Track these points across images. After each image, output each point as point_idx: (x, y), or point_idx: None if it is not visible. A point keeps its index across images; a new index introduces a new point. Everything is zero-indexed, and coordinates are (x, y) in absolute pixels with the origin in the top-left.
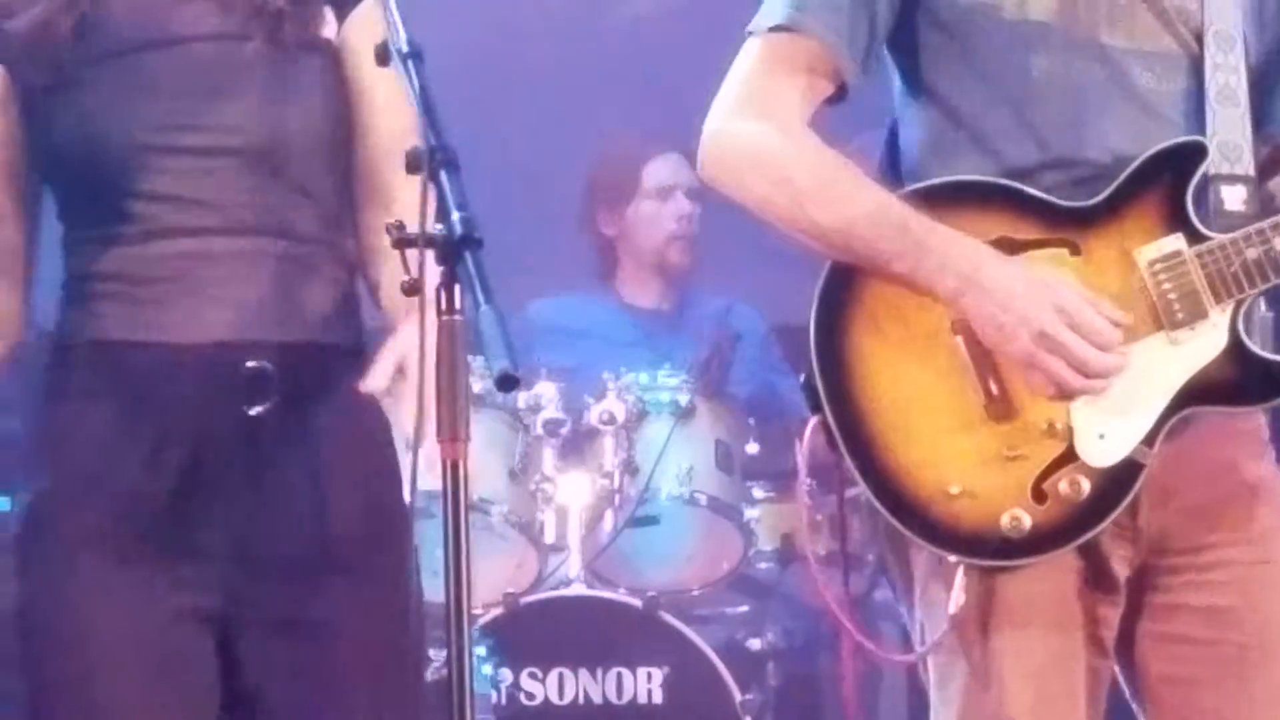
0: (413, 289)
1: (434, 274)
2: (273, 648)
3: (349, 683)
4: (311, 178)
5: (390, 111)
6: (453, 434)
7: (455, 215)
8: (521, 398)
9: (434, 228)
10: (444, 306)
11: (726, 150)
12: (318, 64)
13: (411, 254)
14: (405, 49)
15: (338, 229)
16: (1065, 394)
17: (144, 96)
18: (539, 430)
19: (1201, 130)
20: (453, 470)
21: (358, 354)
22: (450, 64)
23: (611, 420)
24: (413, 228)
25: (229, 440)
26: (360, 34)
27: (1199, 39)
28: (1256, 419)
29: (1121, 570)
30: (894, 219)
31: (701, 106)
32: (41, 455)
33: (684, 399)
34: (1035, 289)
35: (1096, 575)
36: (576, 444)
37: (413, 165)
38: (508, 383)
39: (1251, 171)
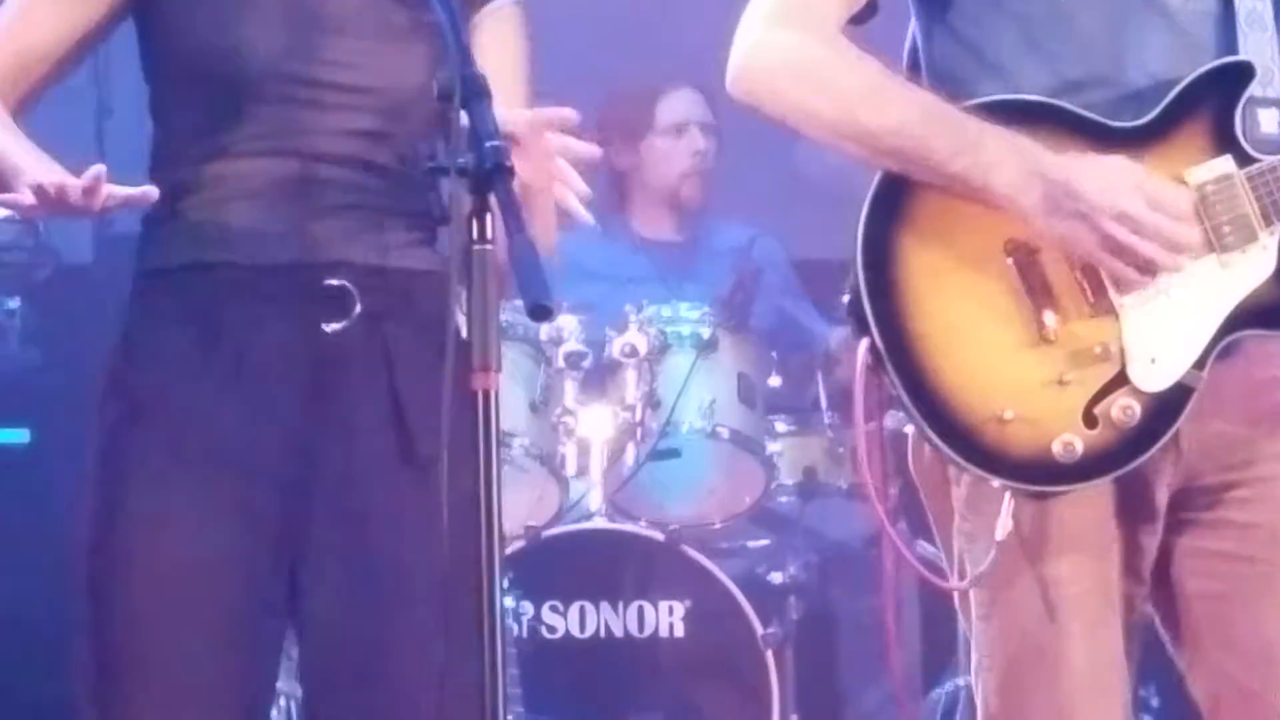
0: (442, 218)
1: (465, 203)
2: (334, 568)
3: (414, 597)
4: (411, 124)
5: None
6: (484, 363)
7: (487, 144)
8: (543, 330)
9: (464, 157)
10: (475, 236)
11: (764, 62)
12: (430, 21)
13: (443, 183)
14: None
15: (420, 164)
16: (1151, 272)
17: (275, 22)
18: (561, 363)
19: (1231, 52)
20: (484, 400)
21: (435, 277)
22: None
23: (633, 353)
24: (443, 157)
25: (304, 357)
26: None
27: None
28: None
29: (1162, 495)
30: (948, 117)
31: (715, 42)
32: (121, 380)
33: (706, 332)
34: (1106, 173)
35: (1136, 502)
36: (598, 377)
37: (443, 94)
38: (540, 312)
39: None
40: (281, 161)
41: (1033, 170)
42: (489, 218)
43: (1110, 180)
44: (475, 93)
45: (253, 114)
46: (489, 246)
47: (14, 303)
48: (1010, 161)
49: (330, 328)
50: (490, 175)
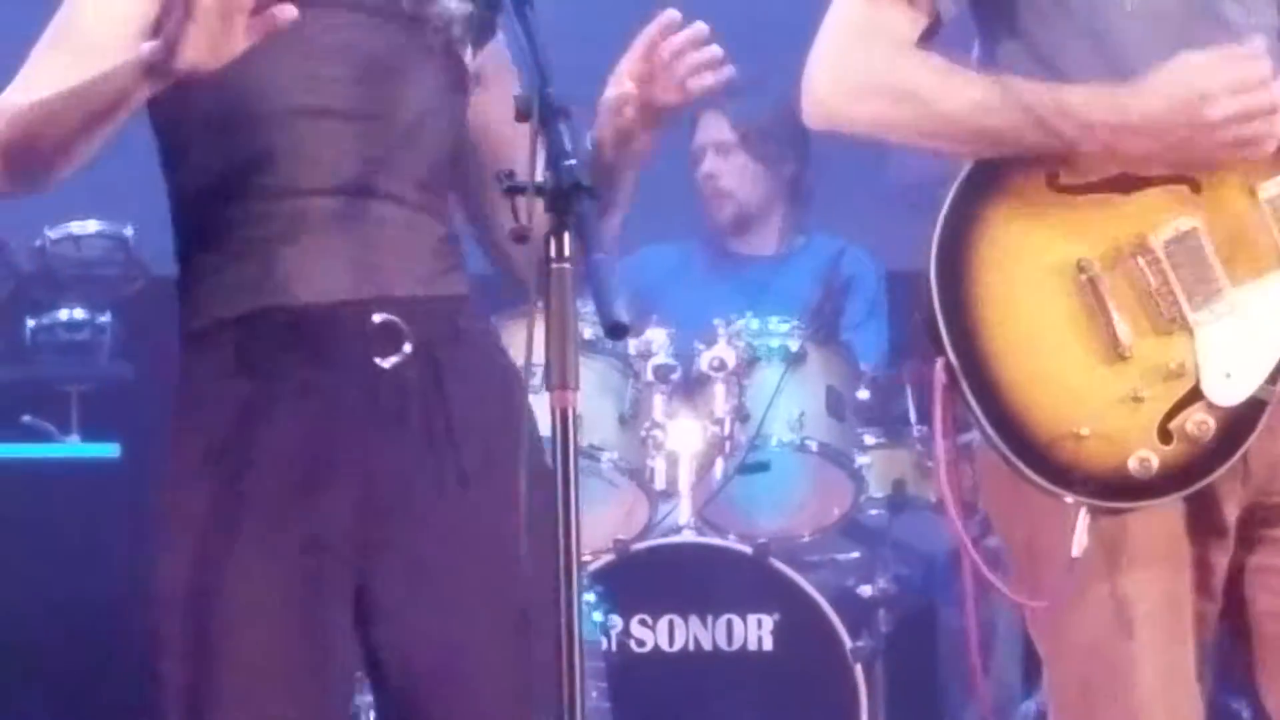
0: (520, 236)
1: (543, 222)
2: (400, 597)
3: (476, 621)
4: (425, 153)
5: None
6: (563, 382)
7: (565, 163)
8: (632, 344)
9: (543, 175)
10: (554, 254)
11: (832, 86)
12: (451, 68)
13: (521, 202)
14: None
15: (438, 190)
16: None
17: (279, 57)
18: (649, 376)
19: None
20: (562, 419)
21: (469, 301)
22: (567, 14)
23: (722, 366)
24: (522, 176)
25: (361, 394)
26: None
27: None
28: None
29: (1232, 511)
30: (1025, 88)
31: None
32: (186, 434)
33: (795, 345)
34: (1180, 102)
35: (1207, 519)
36: (687, 390)
37: (522, 113)
38: (618, 330)
39: None
40: (309, 200)
41: (1120, 127)
42: (567, 236)
43: (1188, 106)
44: (553, 112)
45: (270, 153)
46: (567, 265)
47: (105, 317)
48: (1096, 121)
49: (384, 363)
50: (568, 194)
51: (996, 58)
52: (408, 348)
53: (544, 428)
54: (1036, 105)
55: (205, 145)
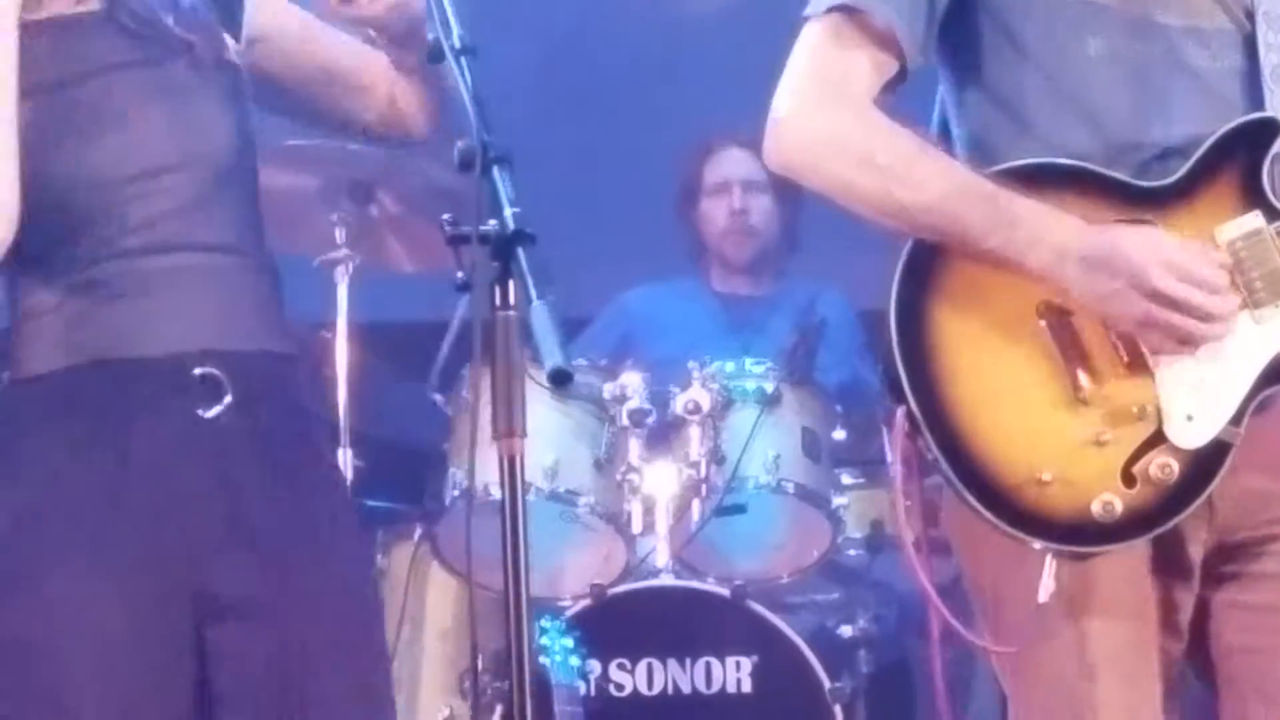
0: (465, 286)
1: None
2: (234, 639)
3: (309, 668)
4: (235, 190)
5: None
6: (509, 430)
7: (507, 211)
8: (607, 388)
9: (486, 224)
10: (498, 302)
11: (800, 136)
12: (229, 83)
13: (465, 251)
14: (458, 45)
15: (258, 240)
16: (1190, 344)
17: (81, 128)
18: (625, 421)
19: (1258, 109)
20: (510, 465)
21: (294, 359)
22: (546, 61)
23: (697, 409)
24: (465, 225)
25: (188, 443)
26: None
27: (1250, 17)
28: None
29: (1196, 552)
30: (982, 193)
31: (767, 98)
32: (6, 487)
33: (770, 387)
34: (1137, 250)
35: (1172, 559)
36: (663, 434)
37: (465, 163)
38: (561, 377)
39: None
40: (133, 260)
41: (1066, 249)
42: (511, 283)
43: (1139, 257)
44: (495, 160)
45: (90, 219)
46: (513, 313)
47: None
48: (1045, 242)
49: (207, 414)
50: (512, 241)
51: (964, 106)
52: (228, 399)
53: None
54: (992, 219)
55: (31, 213)
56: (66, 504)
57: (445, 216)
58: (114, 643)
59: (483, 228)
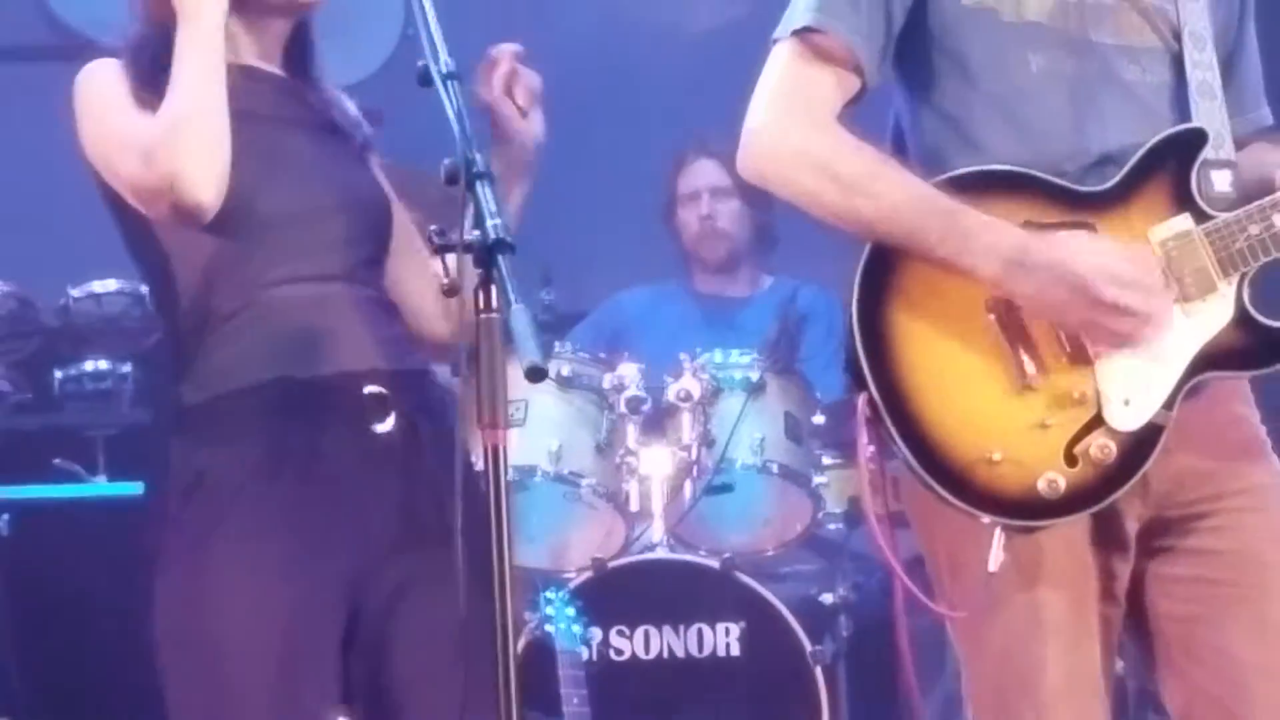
0: (451, 290)
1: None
2: (383, 626)
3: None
4: (377, 235)
5: None
6: (493, 421)
7: (489, 222)
8: (606, 378)
9: (470, 234)
10: (482, 305)
11: (768, 148)
12: (358, 151)
13: (450, 258)
14: (445, 71)
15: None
16: (1130, 344)
17: (270, 173)
18: (623, 408)
19: (1185, 120)
20: (494, 454)
21: (430, 374)
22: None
23: (688, 397)
24: (451, 235)
25: (362, 458)
26: None
27: (1177, 37)
28: (1247, 385)
29: (1131, 526)
30: (937, 206)
31: (734, 112)
32: (200, 491)
33: (755, 375)
34: (1080, 258)
35: (1110, 532)
36: (657, 420)
37: (451, 177)
38: (536, 374)
39: (1233, 157)
40: (301, 287)
41: (1015, 259)
42: (493, 288)
43: (1081, 266)
44: (477, 176)
45: (269, 251)
46: (495, 314)
47: (126, 367)
48: (994, 251)
49: (378, 429)
50: (493, 250)
51: (917, 122)
52: (393, 415)
53: None
54: (944, 229)
55: (206, 246)
56: (252, 517)
57: (433, 227)
58: (282, 640)
59: (466, 237)
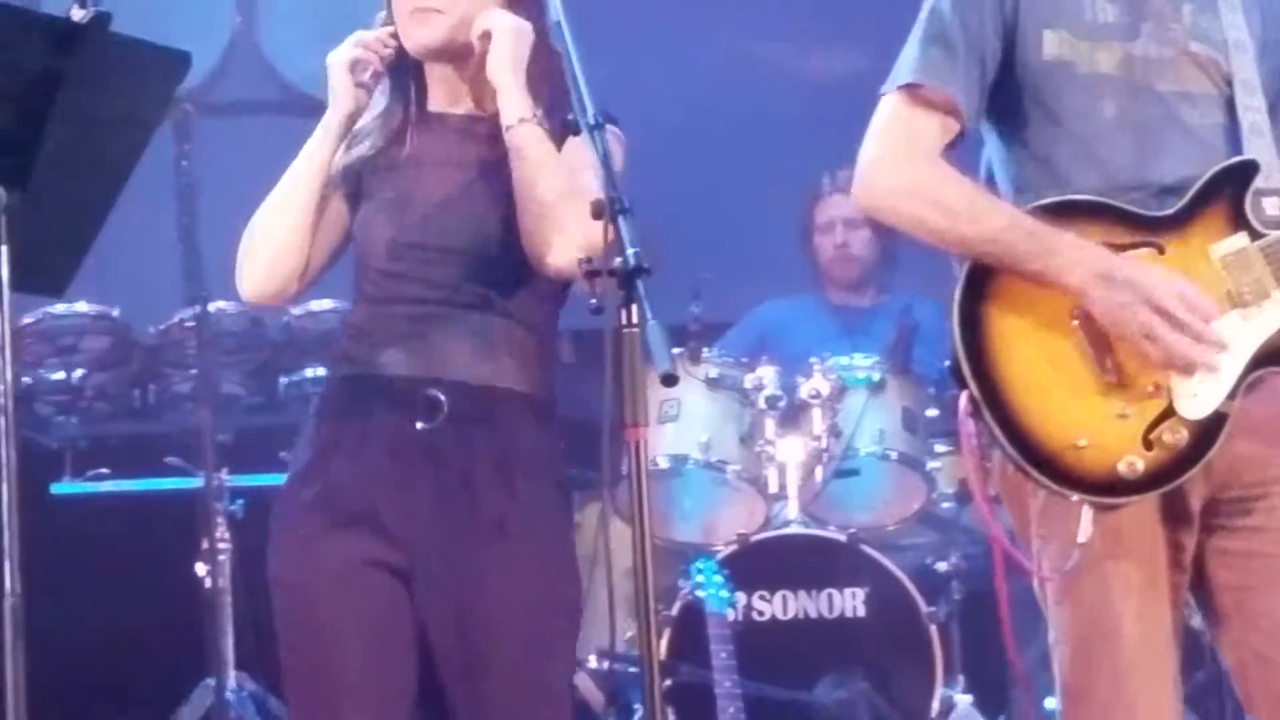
0: (598, 310)
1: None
2: (439, 601)
3: (501, 630)
4: (497, 267)
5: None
6: (634, 421)
7: (629, 251)
8: (748, 380)
9: (615, 261)
10: (624, 321)
11: (882, 182)
12: (501, 179)
13: (598, 282)
14: (592, 122)
15: (520, 302)
16: (1182, 362)
17: (391, 205)
18: (762, 405)
19: (1239, 155)
20: (636, 448)
21: (529, 399)
22: (685, 121)
23: (818, 395)
24: (598, 263)
25: (403, 446)
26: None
27: (1229, 83)
28: None
29: (1195, 504)
30: (1027, 228)
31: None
32: (297, 454)
33: (876, 376)
34: (1156, 279)
35: (1177, 509)
36: (792, 414)
37: (597, 213)
38: (669, 380)
39: None
40: (399, 306)
41: (1098, 274)
42: (634, 307)
43: (1157, 282)
44: (619, 211)
45: (384, 272)
46: (635, 329)
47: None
48: (1078, 267)
49: (424, 425)
50: (633, 275)
51: (1008, 160)
52: (443, 416)
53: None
54: (1036, 249)
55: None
56: (323, 478)
57: (580, 256)
58: (355, 597)
59: (611, 265)
